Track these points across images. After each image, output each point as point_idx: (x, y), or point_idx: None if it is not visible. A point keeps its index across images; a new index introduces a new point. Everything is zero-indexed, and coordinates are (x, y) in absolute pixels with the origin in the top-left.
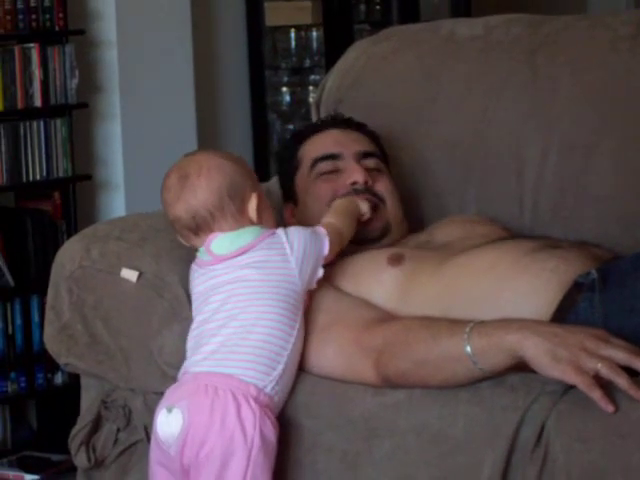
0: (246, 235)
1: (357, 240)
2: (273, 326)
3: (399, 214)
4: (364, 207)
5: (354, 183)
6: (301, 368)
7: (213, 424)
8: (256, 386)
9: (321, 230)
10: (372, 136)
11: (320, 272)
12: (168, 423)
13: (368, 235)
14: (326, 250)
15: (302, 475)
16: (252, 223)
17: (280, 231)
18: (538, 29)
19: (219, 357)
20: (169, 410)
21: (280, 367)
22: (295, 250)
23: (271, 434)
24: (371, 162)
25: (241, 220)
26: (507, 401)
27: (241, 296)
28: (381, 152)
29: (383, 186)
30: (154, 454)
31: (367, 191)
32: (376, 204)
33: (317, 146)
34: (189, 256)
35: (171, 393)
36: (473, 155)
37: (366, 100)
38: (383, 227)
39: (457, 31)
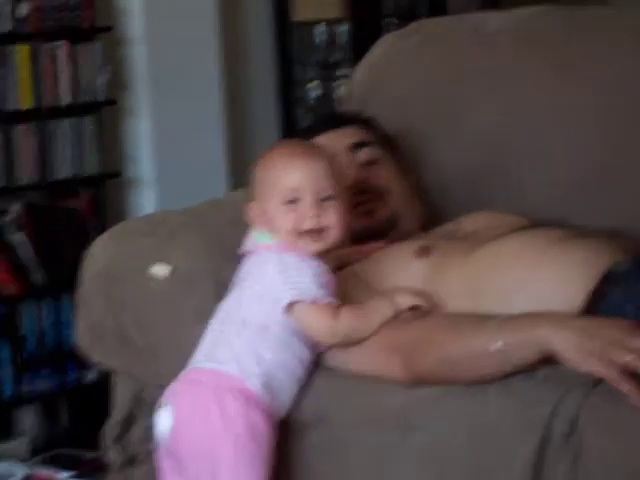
0: (264, 237)
1: (364, 235)
2: (257, 330)
3: (406, 200)
4: (404, 304)
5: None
6: (328, 366)
7: (195, 418)
8: (239, 378)
9: (332, 299)
10: (366, 124)
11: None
12: (160, 420)
13: (374, 229)
14: (323, 299)
15: (333, 470)
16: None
17: (292, 253)
18: (569, 20)
19: (207, 353)
20: (163, 407)
21: (264, 364)
22: (290, 273)
23: (259, 421)
24: (364, 154)
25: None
26: (539, 394)
27: (235, 295)
28: (380, 136)
29: (381, 177)
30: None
31: (363, 192)
32: (376, 199)
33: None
34: (220, 251)
35: (168, 389)
36: (500, 149)
37: (394, 94)
38: (388, 219)
39: (486, 24)
